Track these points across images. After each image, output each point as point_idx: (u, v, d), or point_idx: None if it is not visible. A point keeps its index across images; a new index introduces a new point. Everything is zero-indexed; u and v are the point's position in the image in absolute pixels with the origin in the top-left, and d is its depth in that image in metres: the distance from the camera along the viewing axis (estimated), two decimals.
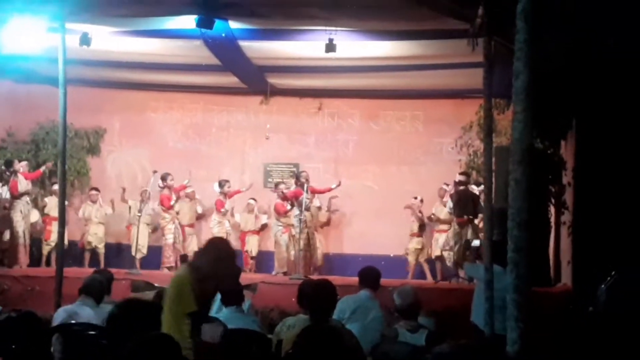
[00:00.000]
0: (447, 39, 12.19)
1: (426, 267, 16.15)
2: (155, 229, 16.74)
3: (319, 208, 16.60)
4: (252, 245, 16.77)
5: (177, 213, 16.55)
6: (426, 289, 12.08)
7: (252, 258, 16.73)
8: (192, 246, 16.44)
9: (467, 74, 13.45)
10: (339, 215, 17.43)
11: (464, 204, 14.40)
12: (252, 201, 16.97)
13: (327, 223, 17.16)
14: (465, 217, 14.33)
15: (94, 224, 16.47)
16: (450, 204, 14.87)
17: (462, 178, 14.74)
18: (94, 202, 16.60)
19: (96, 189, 16.75)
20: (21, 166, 15.33)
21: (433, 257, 15.91)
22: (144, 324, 4.19)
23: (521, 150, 3.79)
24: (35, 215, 15.71)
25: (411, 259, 16.12)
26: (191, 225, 16.81)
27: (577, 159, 11.98)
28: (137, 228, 15.52)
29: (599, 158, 11.26)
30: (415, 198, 16.21)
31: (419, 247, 16.10)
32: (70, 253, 15.52)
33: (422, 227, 16.19)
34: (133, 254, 15.76)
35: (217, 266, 5.47)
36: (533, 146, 3.38)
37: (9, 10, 10.66)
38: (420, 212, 16.17)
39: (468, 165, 16.32)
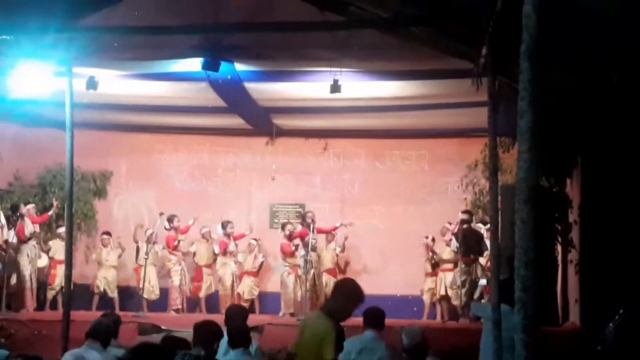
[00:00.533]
0: (451, 79, 12.24)
1: (438, 307, 15.99)
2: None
3: (336, 250, 16.48)
4: (246, 287, 16.51)
5: (194, 254, 16.55)
6: (434, 328, 12.00)
7: (244, 300, 16.24)
8: (211, 288, 16.44)
9: (472, 113, 13.48)
10: (347, 255, 17.34)
11: (468, 242, 14.36)
12: (253, 241, 16.87)
13: (340, 268, 16.99)
14: (472, 256, 14.28)
15: (104, 268, 16.44)
16: (455, 243, 14.81)
17: (465, 217, 14.71)
18: (105, 246, 16.59)
19: (108, 233, 16.76)
20: (29, 209, 15.33)
21: (438, 296, 15.78)
22: None
23: (527, 189, 3.79)
24: (44, 260, 15.68)
25: (426, 298, 15.99)
26: (209, 266, 16.64)
27: (583, 197, 11.97)
28: (144, 270, 15.45)
29: (605, 195, 11.24)
30: (427, 237, 16.14)
31: (433, 286, 15.94)
32: (75, 296, 15.50)
33: (434, 266, 16.05)
34: (145, 295, 15.75)
35: (351, 307, 5.74)
36: (539, 184, 3.37)
37: (17, 55, 10.74)
38: (432, 251, 16.07)
39: (474, 204, 16.31)
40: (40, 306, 15.49)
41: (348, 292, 5.82)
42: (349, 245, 17.07)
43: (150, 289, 15.94)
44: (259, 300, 16.89)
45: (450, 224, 15.51)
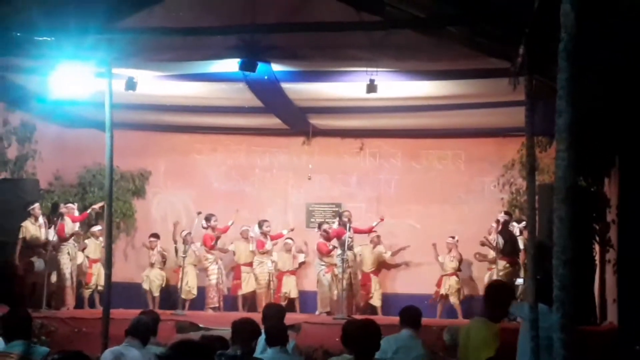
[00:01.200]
0: (487, 78, 12.16)
1: (458, 307, 16.02)
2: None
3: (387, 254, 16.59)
4: (290, 286, 16.67)
5: (234, 253, 16.67)
6: None
7: (289, 299, 16.54)
8: (250, 286, 16.50)
9: (509, 112, 13.40)
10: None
11: (511, 243, 14.33)
12: (289, 241, 16.94)
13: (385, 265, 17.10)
14: (516, 256, 14.28)
15: (148, 268, 16.75)
16: (500, 240, 14.70)
17: (506, 217, 14.66)
18: (152, 248, 16.79)
19: (155, 236, 16.92)
20: (70, 208, 15.48)
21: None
22: None
23: (565, 188, 3.76)
24: (80, 258, 15.83)
25: (454, 300, 15.98)
26: (248, 265, 16.66)
27: (621, 196, 11.85)
28: (182, 270, 15.54)
29: None
30: (452, 237, 16.15)
31: (458, 286, 16.02)
32: (115, 294, 15.65)
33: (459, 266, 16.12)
34: (183, 295, 15.86)
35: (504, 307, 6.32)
36: (576, 184, 3.35)
37: (57, 56, 10.84)
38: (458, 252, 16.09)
39: (510, 204, 16.24)
40: (79, 304, 15.64)
41: (497, 295, 6.35)
42: (385, 245, 17.09)
43: (187, 289, 16.04)
44: (299, 299, 16.92)
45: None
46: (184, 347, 4.32)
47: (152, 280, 16.61)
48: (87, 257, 16.02)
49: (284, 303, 16.29)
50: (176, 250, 16.45)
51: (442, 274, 16.08)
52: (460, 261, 16.09)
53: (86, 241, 16.18)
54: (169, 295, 16.81)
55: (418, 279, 16.80)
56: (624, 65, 8.66)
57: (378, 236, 16.77)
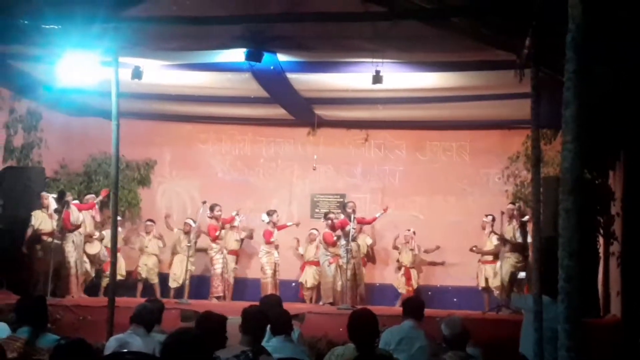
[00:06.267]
0: (493, 70, 12.15)
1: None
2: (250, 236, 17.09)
3: (366, 241, 16.58)
4: (308, 276, 16.67)
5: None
6: (473, 319, 11.95)
7: (307, 289, 16.66)
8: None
9: (514, 104, 13.40)
10: (384, 245, 17.36)
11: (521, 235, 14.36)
12: (314, 231, 16.83)
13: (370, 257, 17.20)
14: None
15: (145, 254, 16.68)
16: (495, 235, 14.70)
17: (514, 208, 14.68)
18: (148, 233, 16.80)
19: (152, 221, 16.94)
20: (86, 199, 15.61)
21: (480, 287, 15.69)
22: (198, 353, 4.21)
23: (571, 179, 3.76)
24: (97, 247, 15.83)
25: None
26: (234, 252, 16.80)
27: (625, 189, 11.84)
28: (187, 258, 15.56)
29: None
30: (409, 230, 16.52)
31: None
32: (124, 283, 15.74)
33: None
34: (171, 284, 16.15)
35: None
36: (582, 176, 3.35)
37: (64, 45, 10.84)
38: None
39: (515, 196, 16.21)
40: (95, 293, 15.67)
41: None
42: (387, 235, 17.12)
43: (175, 277, 16.20)
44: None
45: (487, 216, 15.45)
46: (183, 335, 4.33)
47: (151, 267, 16.61)
48: (106, 246, 15.89)
49: (306, 293, 16.56)
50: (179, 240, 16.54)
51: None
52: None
53: (104, 232, 16.12)
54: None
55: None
56: (631, 58, 8.63)
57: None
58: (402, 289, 16.32)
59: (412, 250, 16.45)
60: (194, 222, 16.13)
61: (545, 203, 10.76)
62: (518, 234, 14.50)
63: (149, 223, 16.91)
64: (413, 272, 16.46)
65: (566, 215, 3.76)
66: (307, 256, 16.80)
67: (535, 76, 8.54)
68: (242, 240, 16.95)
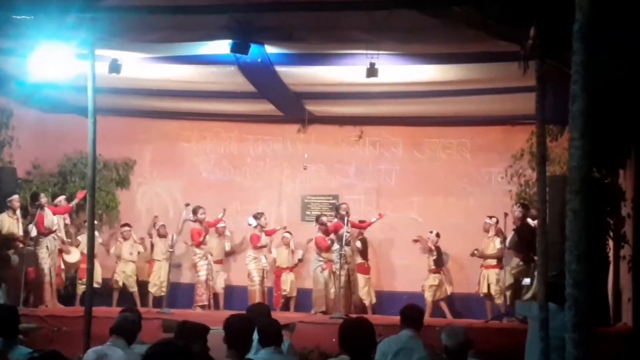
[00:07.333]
0: (496, 62, 12.16)
1: (444, 306, 16.16)
2: (178, 265, 16.96)
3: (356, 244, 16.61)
4: (287, 284, 16.73)
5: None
6: (475, 328, 11.98)
7: (287, 298, 16.72)
8: (220, 283, 16.66)
9: (518, 98, 13.41)
10: (382, 249, 17.38)
11: (527, 238, 14.24)
12: (287, 234, 16.96)
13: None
14: (531, 253, 14.18)
15: (123, 261, 16.61)
16: (515, 237, 14.64)
17: (523, 211, 14.60)
18: (126, 238, 16.73)
19: (128, 225, 16.89)
20: (58, 201, 15.58)
21: (481, 294, 15.73)
22: None
23: (579, 178, 3.77)
24: (76, 255, 15.80)
25: (427, 296, 16.11)
26: (219, 262, 16.89)
27: (636, 189, 11.88)
28: (168, 265, 15.56)
29: None
30: (431, 232, 16.41)
31: (435, 283, 16.16)
32: (103, 291, 15.70)
33: (438, 262, 16.26)
34: (152, 291, 16.22)
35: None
36: (590, 175, 3.34)
37: (37, 36, 10.82)
38: (435, 246, 16.28)
39: (519, 196, 16.24)
40: (70, 302, 15.64)
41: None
42: (384, 238, 17.14)
43: (157, 284, 16.16)
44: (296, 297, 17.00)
45: (490, 218, 15.49)
46: (164, 347, 4.33)
47: (129, 275, 16.58)
48: (83, 252, 15.80)
49: (282, 302, 16.50)
50: (152, 246, 16.59)
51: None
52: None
53: (79, 237, 16.10)
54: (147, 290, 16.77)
55: (419, 275, 16.80)
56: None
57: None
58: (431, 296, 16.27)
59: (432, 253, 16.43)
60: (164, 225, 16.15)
61: (551, 204, 10.77)
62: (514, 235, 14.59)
63: (125, 229, 16.82)
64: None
65: (574, 216, 3.76)
66: (280, 261, 16.82)
67: (540, 68, 8.56)
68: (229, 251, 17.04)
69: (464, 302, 16.50)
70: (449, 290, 16.36)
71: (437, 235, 16.33)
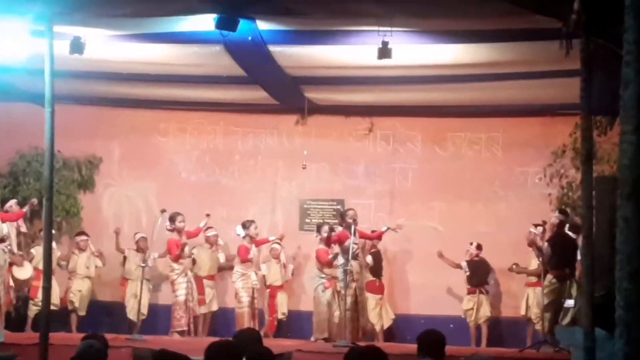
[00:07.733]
0: (532, 41, 12.18)
1: (484, 331, 16.20)
2: (157, 285, 17.06)
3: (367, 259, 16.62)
4: (285, 306, 16.80)
5: (194, 262, 16.65)
6: (507, 358, 11.99)
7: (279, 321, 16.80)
8: (213, 305, 16.64)
9: (559, 84, 13.43)
10: (395, 264, 17.39)
11: (563, 251, 14.21)
12: (277, 246, 16.96)
13: None
14: (567, 270, 14.15)
15: (78, 278, 16.60)
16: (548, 250, 14.59)
17: (561, 218, 14.57)
18: (82, 250, 16.71)
19: (85, 234, 16.90)
20: (8, 206, 15.58)
21: (526, 317, 15.77)
22: None
23: (632, 180, 3.76)
24: (28, 271, 15.82)
25: (469, 320, 16.21)
26: (211, 278, 16.88)
27: None
28: (140, 283, 15.57)
29: None
30: (471, 244, 16.46)
31: (469, 307, 16.24)
32: (58, 314, 15.68)
33: (471, 280, 16.26)
34: (132, 317, 16.03)
35: None
36: None
37: None
38: (472, 260, 16.30)
39: (560, 201, 16.25)
40: (20, 327, 15.63)
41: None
42: (398, 251, 17.15)
43: (136, 308, 16.12)
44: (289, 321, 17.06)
45: (536, 227, 15.31)
46: None
47: (85, 295, 16.60)
48: (36, 267, 15.78)
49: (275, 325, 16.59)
50: (124, 260, 16.63)
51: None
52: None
53: (32, 250, 16.11)
54: (112, 313, 16.81)
55: (441, 296, 16.83)
56: None
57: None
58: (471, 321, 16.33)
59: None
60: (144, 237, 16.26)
61: (599, 210, 10.76)
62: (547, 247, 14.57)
63: (82, 238, 16.83)
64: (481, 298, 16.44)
65: (625, 225, 3.76)
66: (272, 278, 16.84)
67: (586, 48, 8.56)
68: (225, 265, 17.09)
69: (511, 326, 16.47)
70: (490, 312, 16.29)
71: (479, 247, 16.26)
